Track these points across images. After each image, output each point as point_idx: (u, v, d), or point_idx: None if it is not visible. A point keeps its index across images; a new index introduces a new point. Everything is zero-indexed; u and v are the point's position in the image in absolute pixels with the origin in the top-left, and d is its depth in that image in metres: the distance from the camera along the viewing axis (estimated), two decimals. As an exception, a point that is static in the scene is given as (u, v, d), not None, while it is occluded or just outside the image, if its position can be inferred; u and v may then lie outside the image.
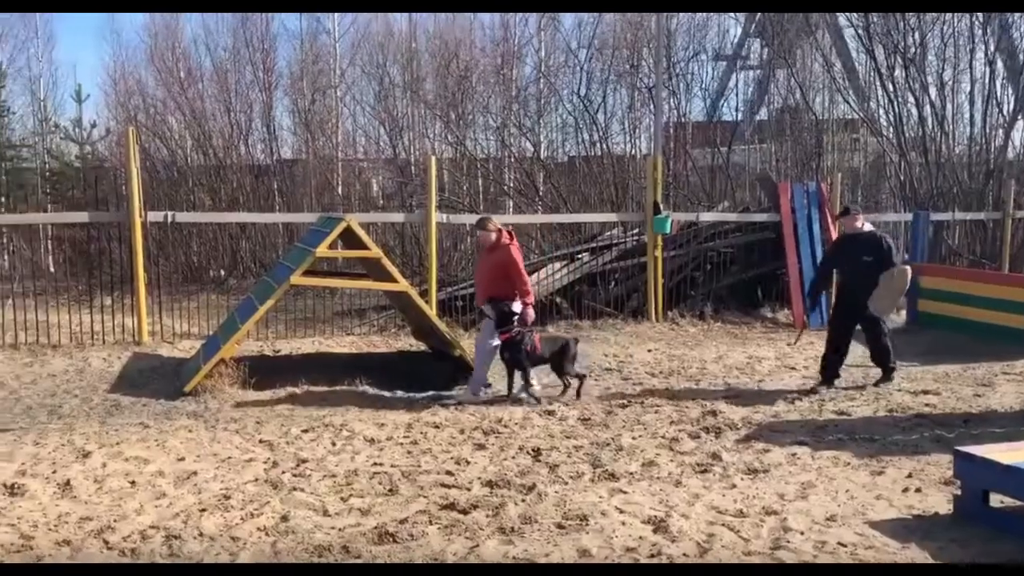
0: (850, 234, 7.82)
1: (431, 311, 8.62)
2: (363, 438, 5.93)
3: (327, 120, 25.03)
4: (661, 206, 11.53)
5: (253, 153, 24.36)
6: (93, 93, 38.04)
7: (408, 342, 9.99)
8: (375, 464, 5.35)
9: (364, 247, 7.91)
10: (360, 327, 11.29)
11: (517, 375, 7.36)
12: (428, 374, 8.11)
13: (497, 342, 7.32)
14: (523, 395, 7.31)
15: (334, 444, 5.79)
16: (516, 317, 7.24)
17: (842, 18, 18.65)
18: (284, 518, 4.39)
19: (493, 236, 7.55)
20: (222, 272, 19.07)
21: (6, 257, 21.27)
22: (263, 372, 7.75)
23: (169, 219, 10.42)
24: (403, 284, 7.95)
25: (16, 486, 4.85)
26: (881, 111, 17.75)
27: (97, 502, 4.64)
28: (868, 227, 7.84)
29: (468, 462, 5.40)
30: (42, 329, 9.95)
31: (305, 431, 6.12)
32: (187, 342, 9.77)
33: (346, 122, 25.77)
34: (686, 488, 4.96)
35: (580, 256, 12.11)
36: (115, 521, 4.33)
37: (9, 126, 27.94)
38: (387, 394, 7.55)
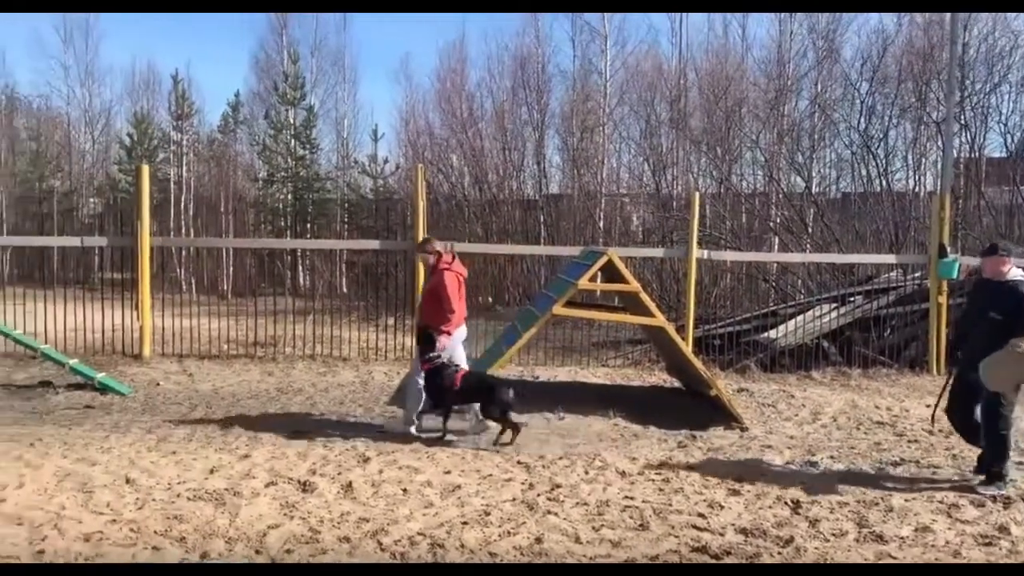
0: (986, 279, 6.06)
1: (687, 348, 8.54)
2: (615, 470, 5.99)
3: (593, 156, 25.68)
4: (948, 248, 10.61)
5: (523, 188, 25.57)
6: (387, 132, 41.83)
7: (662, 377, 9.96)
8: (626, 497, 5.38)
9: (624, 281, 8.01)
10: (615, 359, 11.42)
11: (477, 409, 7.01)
12: (682, 411, 8.04)
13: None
14: (410, 430, 6.97)
15: (587, 472, 5.91)
16: (438, 347, 6.85)
17: None
18: (538, 540, 4.55)
19: (431, 259, 7.21)
20: (490, 299, 20.11)
21: (308, 277, 23.91)
22: (521, 396, 8.06)
23: (448, 249, 11.17)
24: (660, 319, 7.96)
25: (307, 484, 5.45)
26: None
27: (373, 505, 5.09)
28: (1017, 274, 5.90)
29: (722, 506, 5.28)
30: (335, 343, 11.10)
31: (560, 457, 6.30)
32: (455, 363, 10.43)
33: (611, 158, 26.31)
34: (966, 560, 4.51)
35: (852, 299, 11.43)
36: (388, 524, 4.72)
37: (317, 161, 31.62)
38: (639, 428, 7.57)
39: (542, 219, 24.28)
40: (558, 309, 7.71)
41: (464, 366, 7.17)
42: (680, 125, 24.28)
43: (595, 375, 10.34)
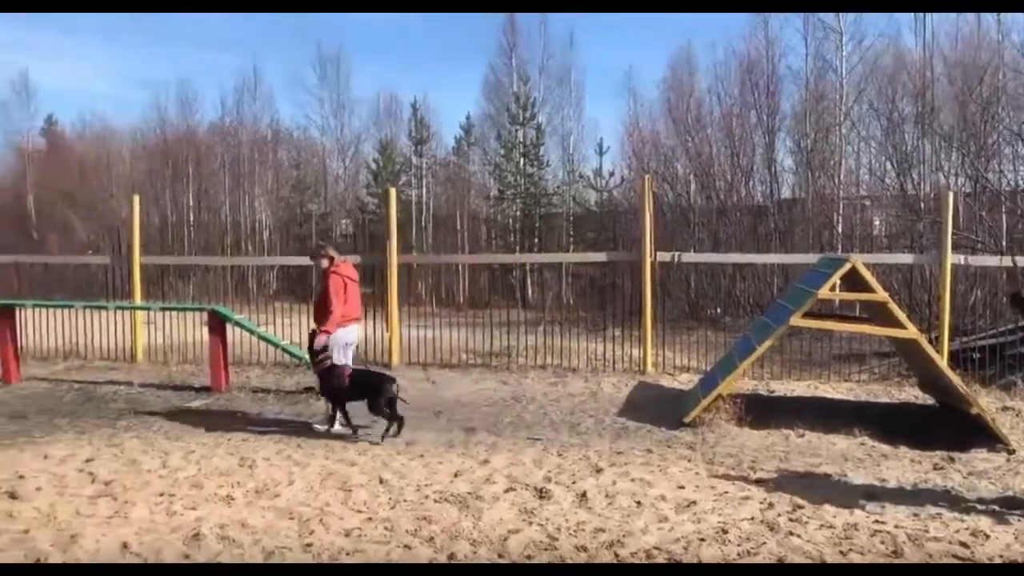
0: None
1: (942, 362, 7.86)
2: (862, 491, 5.65)
3: (829, 158, 24.38)
4: None
5: (753, 194, 24.76)
6: (612, 145, 42.16)
7: (913, 393, 9.24)
8: (876, 521, 5.05)
9: (868, 289, 7.55)
10: (858, 373, 10.76)
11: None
12: (936, 430, 7.41)
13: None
14: (336, 428, 7.32)
15: (831, 493, 5.62)
16: (316, 344, 7.22)
17: None
18: (780, 561, 4.39)
19: (324, 263, 7.63)
20: (718, 310, 19.63)
21: (534, 289, 24.56)
22: (757, 411, 7.83)
23: (676, 259, 11.05)
24: (912, 331, 7.41)
25: (544, 491, 5.60)
26: None
27: (608, 516, 5.14)
28: None
29: (987, 535, 4.81)
30: (564, 354, 11.33)
31: (801, 476, 6.04)
32: (686, 375, 10.30)
33: (849, 159, 24.84)
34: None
35: None
36: (624, 536, 4.75)
37: (544, 177, 32.52)
38: (888, 448, 7.08)
39: (773, 225, 23.37)
40: (796, 320, 7.41)
41: (350, 364, 7.62)
42: (927, 120, 22.42)
43: (837, 390, 9.78)
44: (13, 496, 5.40)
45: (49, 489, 5.58)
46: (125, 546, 4.54)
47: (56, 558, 4.36)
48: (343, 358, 7.63)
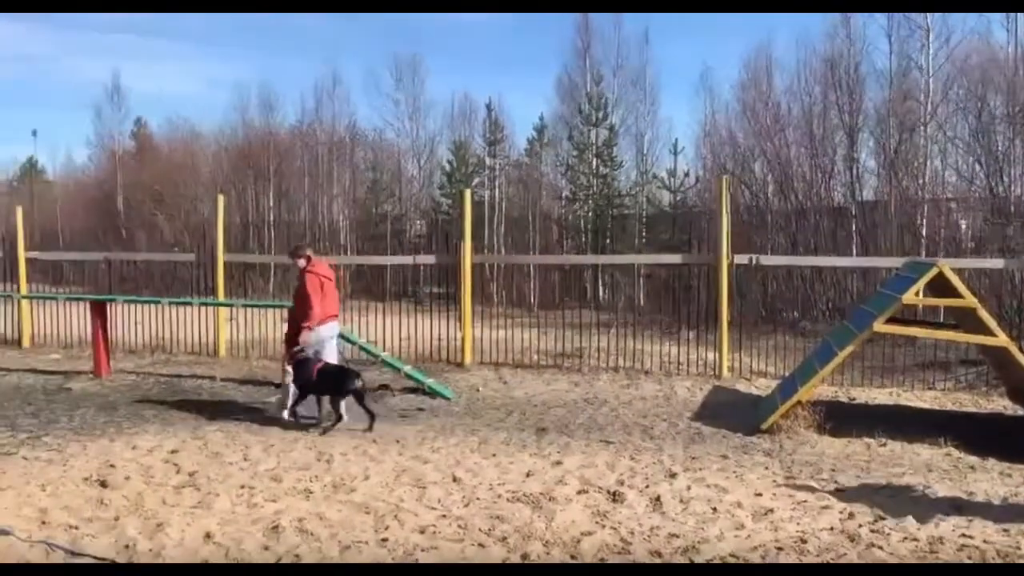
0: None
1: (1037, 372, 7.53)
2: (948, 504, 5.45)
3: (913, 159, 23.59)
4: None
5: (833, 195, 24.15)
6: (686, 146, 41.66)
7: (1003, 404, 8.89)
8: (963, 535, 4.86)
9: (956, 295, 7.29)
10: (944, 382, 10.40)
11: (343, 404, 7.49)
12: (1030, 443, 7.11)
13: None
14: (283, 415, 7.78)
15: (915, 503, 5.44)
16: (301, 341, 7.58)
17: None
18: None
19: (302, 263, 7.92)
20: (796, 314, 19.22)
21: (606, 291, 24.41)
22: (838, 418, 7.64)
23: (753, 262, 10.84)
24: (1002, 339, 7.13)
25: (617, 494, 5.57)
26: None
27: (683, 521, 5.08)
28: None
29: (1084, 554, 4.59)
30: (637, 356, 11.25)
31: (883, 486, 5.86)
32: (763, 380, 10.11)
33: (935, 160, 23.99)
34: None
35: None
36: (699, 543, 4.68)
37: (617, 178, 32.33)
38: (976, 459, 6.81)
39: (854, 228, 22.73)
40: (879, 326, 7.20)
41: (334, 360, 7.96)
42: (1019, 120, 21.50)
43: (920, 399, 9.47)
44: (104, 484, 5.64)
45: (137, 478, 5.80)
46: (208, 536, 4.69)
47: (143, 546, 4.53)
48: (325, 353, 7.93)
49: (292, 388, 7.84)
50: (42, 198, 47.21)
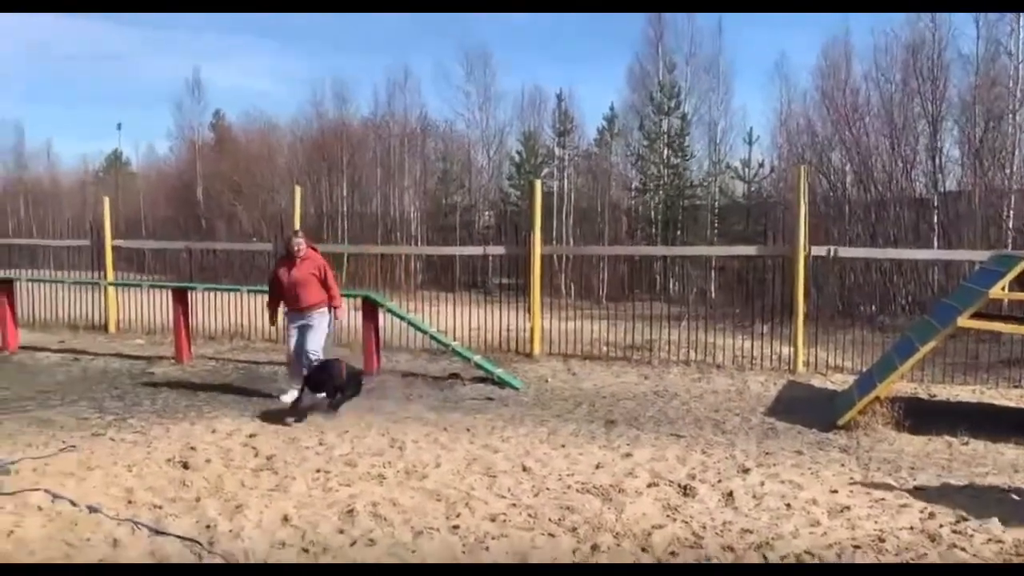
0: None
1: None
2: (1036, 507, 5.25)
3: (1000, 148, 22.68)
4: None
5: (914, 186, 23.41)
6: (761, 135, 40.77)
7: (1097, 404, 8.49)
8: (1052, 539, 4.68)
9: (1048, 291, 6.99)
10: (1034, 380, 9.97)
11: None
12: None
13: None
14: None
15: (999, 504, 5.25)
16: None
17: None
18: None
19: (303, 244, 8.18)
20: (874, 308, 18.70)
21: (676, 284, 24.16)
22: (917, 415, 7.41)
23: (832, 254, 10.56)
24: (1098, 336, 6.80)
25: (688, 488, 5.51)
26: None
27: (756, 517, 5.00)
28: None
29: None
30: (708, 349, 11.10)
31: (965, 486, 5.67)
32: (839, 376, 9.88)
33: (1023, 149, 23.02)
34: None
35: None
36: (773, 539, 4.61)
37: (689, 168, 31.90)
38: (1068, 462, 6.53)
39: (936, 219, 21.98)
40: (964, 321, 6.95)
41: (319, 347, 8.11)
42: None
43: (1005, 397, 9.11)
44: (186, 466, 5.84)
45: (217, 461, 5.99)
46: (286, 519, 4.82)
47: (223, 527, 4.67)
48: (314, 339, 8.12)
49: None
50: (126, 189, 48.97)
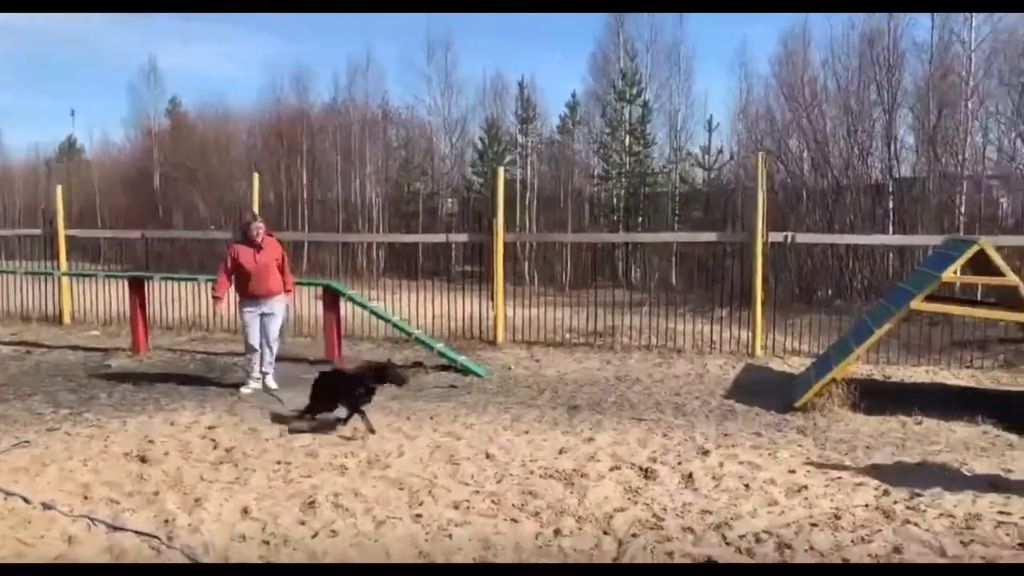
0: None
1: (1080, 351, 7.39)
2: (986, 481, 5.38)
3: (953, 136, 23.13)
4: None
5: (870, 172, 23.79)
6: (721, 122, 41.09)
7: (1043, 382, 8.74)
8: (1000, 512, 4.81)
9: (998, 273, 7.16)
10: (982, 360, 10.23)
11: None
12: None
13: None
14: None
15: (950, 481, 5.38)
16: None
17: None
18: (896, 549, 4.24)
19: (262, 230, 8.17)
20: (831, 292, 19.01)
21: (637, 270, 24.32)
22: (872, 396, 7.57)
23: (789, 240, 10.70)
24: (1045, 317, 6.98)
25: (649, 471, 5.57)
26: None
27: (715, 498, 5.07)
28: None
29: None
30: (669, 335, 11.21)
31: (918, 464, 5.81)
32: (796, 359, 10.03)
33: (975, 136, 23.49)
34: None
35: None
36: (732, 519, 4.68)
37: (650, 155, 32.08)
38: (1014, 437, 6.71)
39: (891, 205, 22.37)
40: (917, 304, 7.10)
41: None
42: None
43: (958, 377, 9.34)
44: (143, 460, 5.75)
45: (175, 454, 5.91)
46: (246, 511, 4.77)
47: (182, 521, 4.62)
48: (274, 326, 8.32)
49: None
50: (80, 177, 47.91)
